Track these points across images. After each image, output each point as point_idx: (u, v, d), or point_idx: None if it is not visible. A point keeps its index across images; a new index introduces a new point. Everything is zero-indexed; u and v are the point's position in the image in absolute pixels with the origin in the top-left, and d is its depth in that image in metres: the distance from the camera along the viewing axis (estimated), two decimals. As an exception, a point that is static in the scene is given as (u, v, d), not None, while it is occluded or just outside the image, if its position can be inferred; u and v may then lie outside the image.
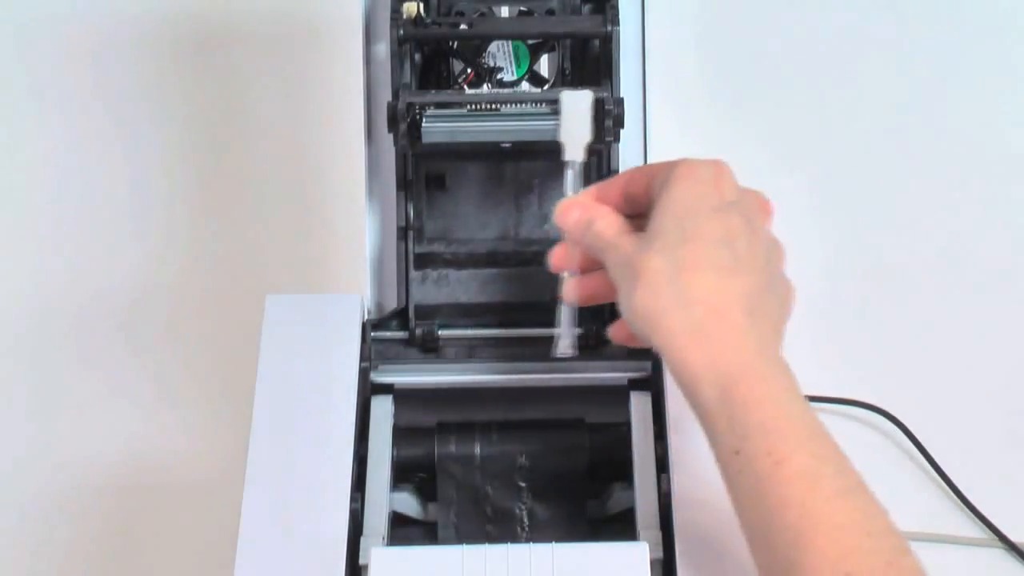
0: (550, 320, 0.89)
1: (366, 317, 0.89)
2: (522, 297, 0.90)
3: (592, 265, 0.79)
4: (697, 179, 0.74)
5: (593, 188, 0.79)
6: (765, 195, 0.77)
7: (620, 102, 0.84)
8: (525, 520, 0.85)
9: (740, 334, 0.71)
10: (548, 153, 0.81)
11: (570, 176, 0.80)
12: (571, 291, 0.79)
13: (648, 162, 0.90)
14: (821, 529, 0.67)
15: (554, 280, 0.89)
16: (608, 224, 0.76)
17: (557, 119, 0.82)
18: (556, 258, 0.79)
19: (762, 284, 0.73)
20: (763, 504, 0.68)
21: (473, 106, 0.84)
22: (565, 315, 0.81)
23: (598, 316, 0.87)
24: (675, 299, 0.71)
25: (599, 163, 0.89)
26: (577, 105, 0.81)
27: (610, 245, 0.75)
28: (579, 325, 0.86)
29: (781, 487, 0.68)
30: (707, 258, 0.72)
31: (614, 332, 0.80)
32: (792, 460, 0.68)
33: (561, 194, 0.80)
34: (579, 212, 0.77)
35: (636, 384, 0.87)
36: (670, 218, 0.73)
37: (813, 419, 0.71)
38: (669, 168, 0.75)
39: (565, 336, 0.81)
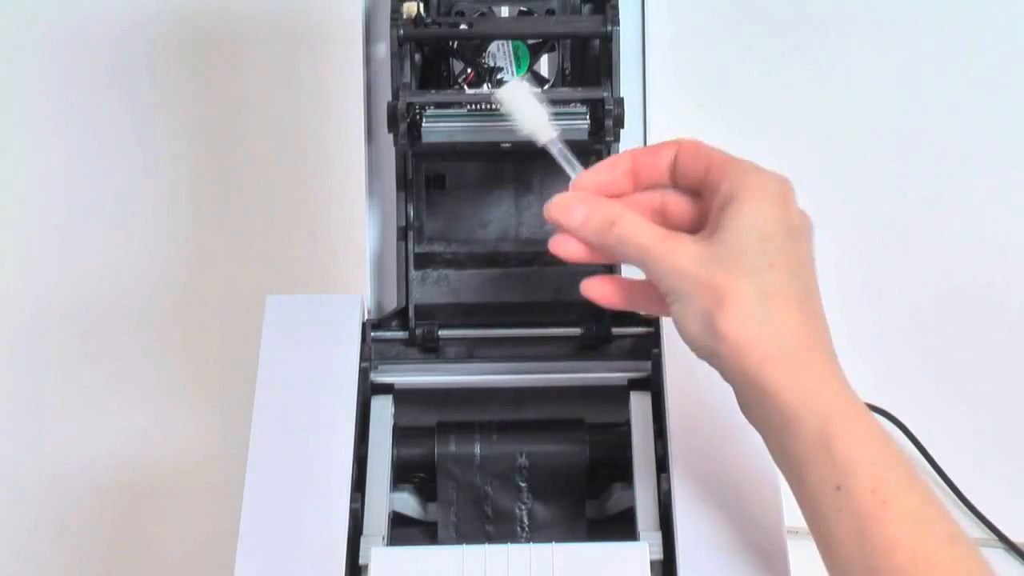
0: (550, 320, 0.89)
1: (366, 317, 0.89)
2: (522, 297, 0.90)
3: None
4: (771, 197, 0.71)
5: (589, 179, 0.74)
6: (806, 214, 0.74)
7: (620, 102, 0.84)
8: (525, 520, 0.85)
9: (829, 371, 0.70)
10: (548, 154, 0.81)
11: (559, 155, 0.76)
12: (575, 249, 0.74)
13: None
14: (933, 574, 0.66)
15: (556, 280, 0.89)
16: (638, 226, 0.72)
17: (558, 120, 0.82)
18: (564, 251, 0.75)
19: (826, 320, 0.72)
20: (866, 543, 0.67)
21: (473, 106, 0.84)
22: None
23: (598, 316, 0.87)
24: (766, 329, 0.69)
25: (599, 163, 0.89)
26: (516, 94, 0.78)
27: (654, 254, 0.71)
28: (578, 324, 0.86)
29: (888, 527, 0.67)
30: (790, 289, 0.70)
31: (590, 288, 0.76)
32: (900, 500, 0.67)
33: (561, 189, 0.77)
34: (586, 209, 0.73)
35: (636, 384, 0.87)
36: (752, 237, 0.70)
37: (908, 461, 0.70)
38: (741, 171, 0.71)
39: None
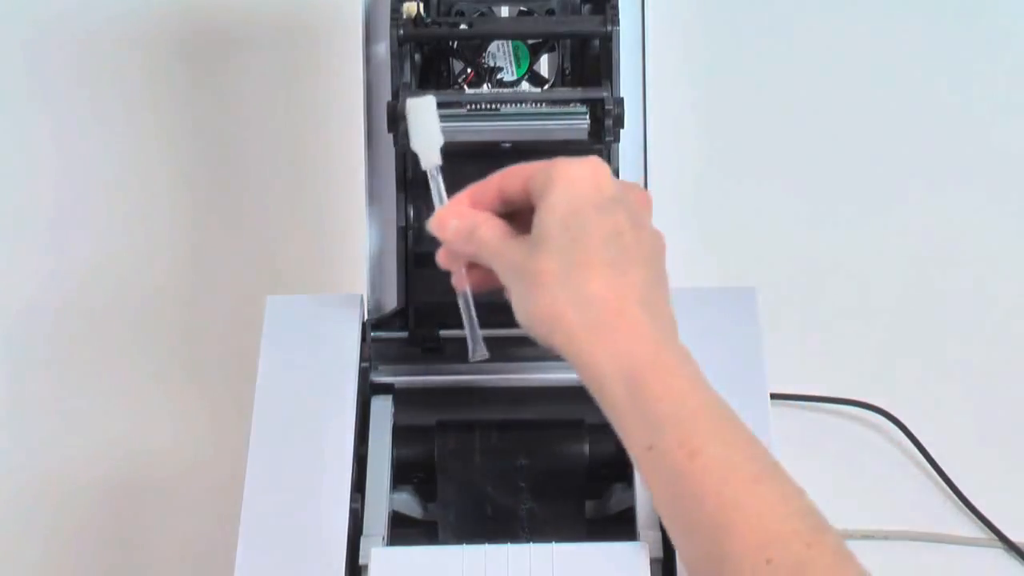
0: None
1: (366, 317, 0.89)
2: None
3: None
4: (577, 179, 0.73)
5: (466, 193, 0.77)
6: (643, 188, 0.76)
7: (620, 102, 0.84)
8: (525, 520, 0.85)
9: (639, 327, 0.70)
10: (548, 153, 0.81)
11: (434, 185, 0.78)
12: (460, 281, 0.78)
13: (648, 163, 0.90)
14: (739, 518, 0.66)
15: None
16: (491, 230, 0.75)
17: (558, 120, 0.82)
18: (443, 260, 0.78)
19: (652, 277, 0.72)
20: (681, 498, 0.68)
21: (473, 106, 0.84)
22: (465, 315, 0.79)
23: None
24: (571, 299, 0.70)
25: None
26: (422, 110, 0.78)
27: (497, 251, 0.74)
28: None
29: (696, 479, 0.67)
30: (597, 256, 0.71)
31: None
32: (705, 450, 0.68)
33: None
34: (457, 221, 0.76)
35: (636, 384, 0.87)
36: (555, 220, 0.72)
37: (722, 405, 0.70)
38: (546, 169, 0.74)
39: (474, 340, 0.79)
